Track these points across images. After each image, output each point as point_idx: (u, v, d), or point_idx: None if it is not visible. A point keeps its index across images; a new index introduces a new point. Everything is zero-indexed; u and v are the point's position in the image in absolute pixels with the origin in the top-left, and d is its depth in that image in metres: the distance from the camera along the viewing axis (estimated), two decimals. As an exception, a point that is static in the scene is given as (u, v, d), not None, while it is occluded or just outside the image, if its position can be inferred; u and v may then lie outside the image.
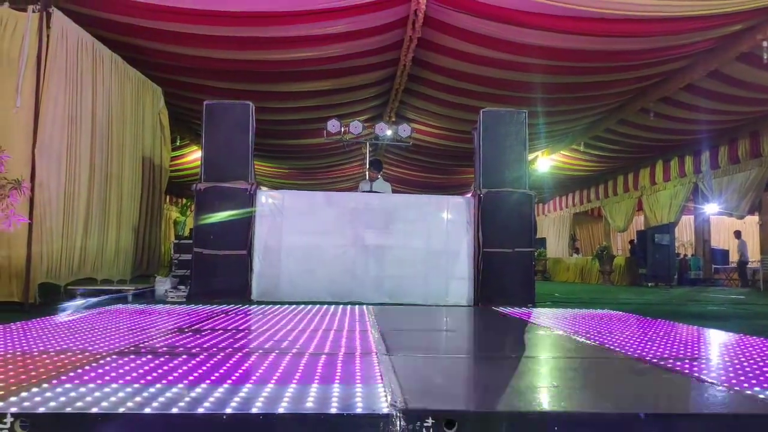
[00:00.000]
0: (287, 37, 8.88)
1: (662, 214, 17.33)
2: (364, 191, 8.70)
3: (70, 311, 5.39)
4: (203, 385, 2.18)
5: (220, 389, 2.11)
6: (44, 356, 2.77)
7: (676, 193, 16.76)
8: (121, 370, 2.46)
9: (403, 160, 17.95)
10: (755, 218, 17.68)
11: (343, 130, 9.33)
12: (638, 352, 3.29)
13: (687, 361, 3.03)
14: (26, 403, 1.86)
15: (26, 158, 5.93)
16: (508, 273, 7.45)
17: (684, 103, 11.98)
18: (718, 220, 21.95)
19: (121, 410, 1.81)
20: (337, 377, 2.40)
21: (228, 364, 2.65)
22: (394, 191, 9.08)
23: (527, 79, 10.54)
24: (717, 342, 4.00)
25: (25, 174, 5.77)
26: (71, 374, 2.34)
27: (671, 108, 12.32)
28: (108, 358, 2.75)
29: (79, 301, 6.48)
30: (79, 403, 1.87)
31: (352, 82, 11.12)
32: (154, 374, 2.38)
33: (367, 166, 9.30)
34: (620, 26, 8.58)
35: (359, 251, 7.59)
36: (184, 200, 21.67)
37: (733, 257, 19.13)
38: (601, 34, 8.77)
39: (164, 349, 3.10)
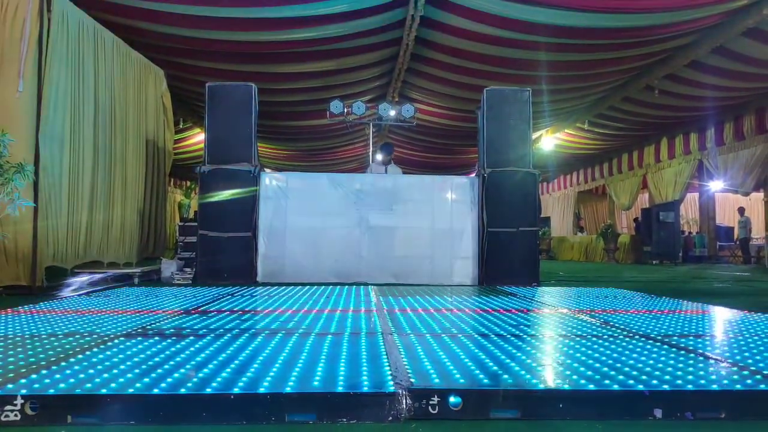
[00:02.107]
0: (289, 17, 8.81)
1: (667, 192, 17.28)
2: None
3: (76, 294, 5.43)
4: (210, 366, 2.20)
5: (228, 370, 2.13)
6: (52, 339, 2.79)
7: (680, 170, 16.69)
8: (128, 352, 2.48)
9: (407, 141, 17.90)
10: (760, 195, 17.62)
11: (346, 110, 9.29)
12: (643, 329, 3.30)
13: (692, 338, 3.04)
14: (36, 385, 1.88)
15: (30, 142, 5.93)
16: (512, 252, 7.46)
17: (689, 79, 11.89)
18: (723, 198, 21.91)
19: (130, 391, 1.83)
20: (343, 357, 2.42)
21: (235, 345, 2.67)
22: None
23: (531, 57, 10.46)
24: (722, 319, 4.01)
25: (29, 158, 5.77)
26: (79, 356, 2.37)
27: (676, 85, 12.23)
28: (116, 340, 2.77)
29: (85, 281, 6.53)
30: (87, 385, 1.89)
31: (354, 62, 11.06)
32: (162, 356, 2.40)
33: (379, 150, 9.23)
34: (626, 2, 8.49)
35: (364, 232, 7.61)
36: (189, 183, 21.69)
37: (735, 233, 19.10)
38: (606, 11, 8.68)
39: (171, 330, 3.12)
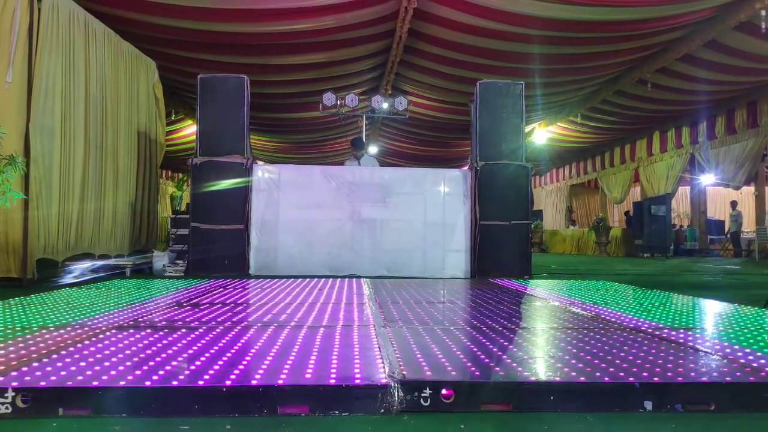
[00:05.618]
0: (281, 8, 8.77)
1: (659, 186, 17.35)
2: None
3: (67, 286, 5.41)
4: (202, 359, 2.19)
5: (220, 362, 2.13)
6: (44, 331, 2.78)
7: (672, 164, 16.76)
8: (120, 345, 2.48)
9: (400, 133, 17.87)
10: (751, 189, 17.72)
11: (338, 103, 9.28)
12: (634, 322, 3.32)
13: (682, 330, 3.06)
14: (27, 378, 1.87)
15: (20, 134, 5.88)
16: (504, 245, 7.48)
17: (681, 73, 11.92)
18: (714, 191, 22.03)
19: (122, 384, 1.83)
20: (336, 349, 2.42)
21: (227, 338, 2.66)
22: (391, 165, 9.04)
23: (525, 50, 10.45)
24: (712, 312, 4.04)
25: (19, 150, 5.73)
26: (71, 349, 2.36)
27: (669, 78, 12.26)
28: (107, 333, 2.77)
29: (77, 273, 6.51)
30: (79, 378, 1.89)
31: (347, 55, 11.02)
32: (154, 348, 2.40)
33: (351, 146, 9.27)
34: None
35: (356, 225, 7.60)
36: (181, 175, 21.61)
37: (726, 227, 19.21)
38: (600, 4, 8.68)
39: (163, 323, 3.12)
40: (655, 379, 1.96)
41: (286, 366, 2.08)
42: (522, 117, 7.74)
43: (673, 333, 2.95)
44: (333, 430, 1.69)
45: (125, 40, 8.41)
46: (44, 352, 2.30)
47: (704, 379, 2.01)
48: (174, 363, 2.12)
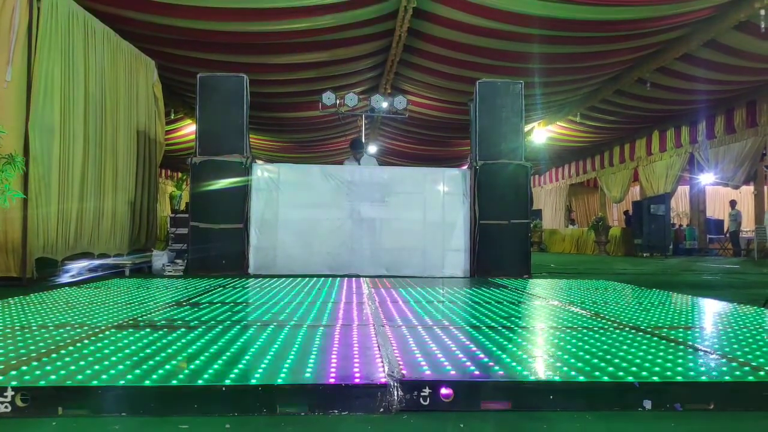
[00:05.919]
0: (281, 8, 8.77)
1: (658, 185, 17.36)
2: None
3: (67, 285, 5.40)
4: (202, 358, 2.19)
5: (219, 361, 2.13)
6: (43, 330, 2.78)
7: (672, 163, 16.76)
8: (120, 344, 2.48)
9: (399, 133, 17.87)
10: (750, 188, 17.71)
11: (338, 102, 9.27)
12: (633, 321, 3.32)
13: (681, 329, 3.06)
14: (27, 377, 1.87)
15: (19, 133, 5.88)
16: (504, 244, 7.48)
17: (681, 73, 11.93)
18: (713, 191, 22.02)
19: (121, 383, 1.83)
20: (335, 348, 2.42)
21: (226, 337, 2.66)
22: (390, 165, 9.04)
23: (524, 50, 10.45)
24: (711, 311, 4.04)
25: (19, 149, 5.72)
26: (70, 348, 2.36)
27: (668, 78, 12.26)
28: (107, 332, 2.76)
29: (76, 273, 6.51)
30: (79, 377, 1.89)
31: (346, 54, 11.02)
32: (153, 347, 2.39)
33: (350, 148, 9.26)
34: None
35: (356, 224, 7.60)
36: (180, 174, 21.61)
37: (726, 226, 19.20)
38: (600, 3, 8.68)
39: (163, 322, 3.12)
40: (655, 378, 1.96)
41: (286, 365, 2.08)
42: (521, 116, 7.73)
43: (673, 332, 2.95)
44: (332, 430, 1.69)
45: (124, 39, 8.40)
46: (44, 351, 2.30)
47: (703, 378, 2.01)
48: (173, 362, 2.12)
